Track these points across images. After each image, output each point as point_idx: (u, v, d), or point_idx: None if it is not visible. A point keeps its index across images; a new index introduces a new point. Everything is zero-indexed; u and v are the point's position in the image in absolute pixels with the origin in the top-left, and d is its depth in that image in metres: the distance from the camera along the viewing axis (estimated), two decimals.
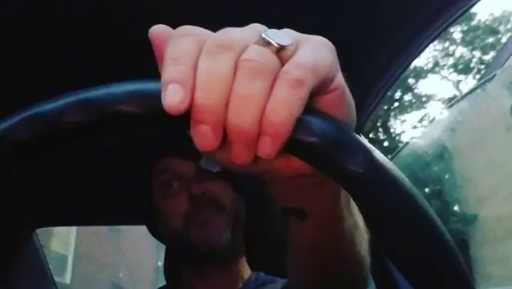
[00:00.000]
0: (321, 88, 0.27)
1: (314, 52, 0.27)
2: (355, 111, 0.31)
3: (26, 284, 1.33)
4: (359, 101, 0.86)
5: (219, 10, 0.67)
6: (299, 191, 0.35)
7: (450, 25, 0.70)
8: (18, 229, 1.33)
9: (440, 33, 0.73)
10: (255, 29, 0.28)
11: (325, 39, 0.28)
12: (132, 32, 0.71)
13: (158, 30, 0.28)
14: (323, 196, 0.35)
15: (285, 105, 0.25)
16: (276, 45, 0.26)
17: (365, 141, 0.26)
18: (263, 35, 0.26)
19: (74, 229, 8.00)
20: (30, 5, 0.64)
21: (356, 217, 0.41)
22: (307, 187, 0.34)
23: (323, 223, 0.38)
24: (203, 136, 0.25)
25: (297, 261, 0.46)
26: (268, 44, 0.26)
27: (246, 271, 0.83)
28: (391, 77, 0.85)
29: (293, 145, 0.25)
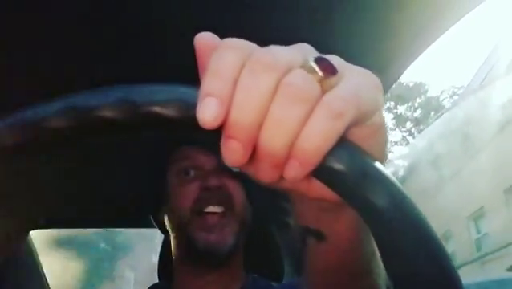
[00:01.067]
0: (359, 122, 0.27)
1: (358, 86, 0.26)
2: (387, 148, 0.30)
3: (21, 285, 1.32)
4: None
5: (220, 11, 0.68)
6: (319, 213, 0.35)
7: (444, 32, 0.71)
8: (14, 230, 1.32)
9: (435, 40, 0.73)
10: (302, 51, 0.27)
11: (371, 73, 0.28)
12: (135, 31, 0.72)
13: (204, 39, 0.28)
14: (342, 221, 0.35)
15: (320, 135, 0.25)
16: (321, 74, 0.26)
17: (392, 177, 0.26)
18: (310, 63, 0.26)
19: None
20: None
21: (375, 248, 0.40)
22: (327, 210, 0.34)
23: (339, 247, 0.37)
24: (232, 151, 0.25)
25: (310, 282, 0.45)
26: (312, 71, 0.26)
27: (242, 274, 0.83)
28: (386, 82, 0.86)
29: (320, 171, 0.26)
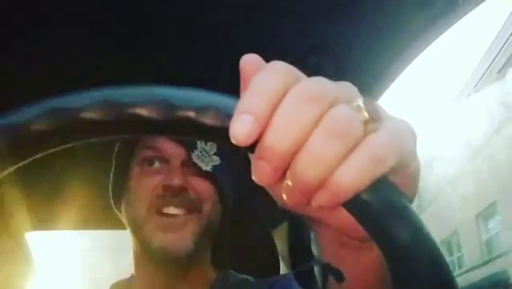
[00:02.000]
0: (396, 170, 0.27)
1: (400, 135, 0.26)
2: (418, 186, 0.30)
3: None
4: None
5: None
6: (340, 248, 0.34)
7: (445, 31, 0.71)
8: (8, 231, 1.31)
9: (435, 39, 0.73)
10: (348, 89, 0.27)
11: (410, 125, 0.28)
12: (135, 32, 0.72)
13: (249, 59, 0.28)
14: (362, 261, 0.35)
15: (358, 175, 0.25)
16: (367, 116, 0.25)
17: (418, 216, 0.26)
18: (358, 102, 0.26)
19: None
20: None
21: None
22: (348, 247, 0.33)
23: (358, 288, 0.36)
24: (262, 171, 0.25)
25: None
26: (359, 110, 0.25)
27: (210, 273, 0.78)
28: (385, 82, 0.86)
29: (348, 201, 0.26)
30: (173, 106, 0.25)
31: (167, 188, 0.70)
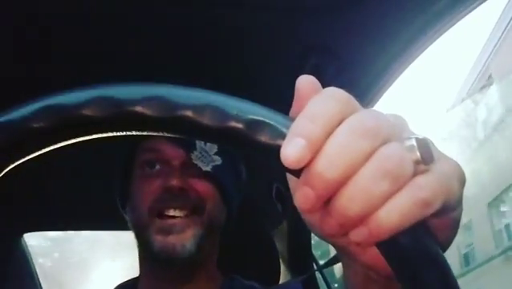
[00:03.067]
0: (440, 214, 0.26)
1: (449, 178, 0.26)
2: (454, 237, 0.29)
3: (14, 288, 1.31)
4: None
5: None
6: (366, 283, 0.33)
7: (445, 31, 0.71)
8: (6, 232, 1.31)
9: (435, 39, 0.73)
10: (403, 126, 0.27)
11: (462, 169, 0.27)
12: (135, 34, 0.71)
13: (307, 80, 0.28)
14: None
15: (401, 216, 0.24)
16: (419, 157, 0.25)
17: (450, 269, 0.26)
18: (412, 141, 0.25)
19: None
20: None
21: None
22: (374, 282, 0.33)
23: None
24: (305, 198, 0.25)
25: None
26: (411, 150, 0.25)
27: (217, 278, 0.78)
28: (385, 83, 0.86)
29: (384, 242, 0.25)
30: (172, 104, 0.25)
31: (167, 190, 0.70)
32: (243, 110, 0.25)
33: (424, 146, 0.25)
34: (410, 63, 0.82)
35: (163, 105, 0.25)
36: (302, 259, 1.25)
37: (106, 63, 0.77)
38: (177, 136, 0.27)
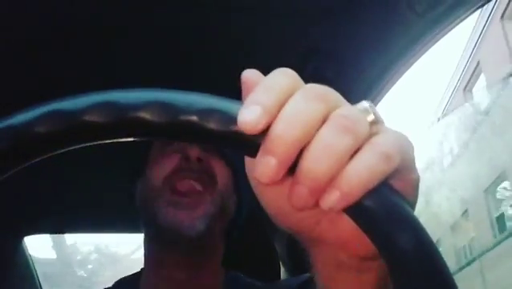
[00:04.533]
0: (399, 174, 0.27)
1: (401, 138, 0.27)
2: (418, 195, 0.30)
3: None
4: None
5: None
6: (337, 272, 0.33)
7: (444, 36, 0.71)
8: (7, 235, 1.31)
9: (434, 44, 0.74)
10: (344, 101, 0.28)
11: (406, 135, 0.28)
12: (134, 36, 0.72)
13: (251, 72, 0.28)
14: (360, 285, 0.33)
15: (369, 172, 0.25)
16: (373, 116, 0.26)
17: (419, 221, 0.26)
18: (364, 104, 0.27)
19: None
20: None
21: None
22: (346, 270, 0.32)
23: None
24: (267, 167, 0.24)
25: None
26: (365, 112, 0.26)
27: (220, 274, 0.76)
28: (383, 88, 0.86)
29: (354, 207, 0.25)
30: (176, 109, 0.25)
31: (185, 159, 0.70)
32: (193, 102, 0.25)
33: (376, 109, 0.27)
34: (409, 67, 0.83)
35: (164, 110, 0.25)
36: (302, 262, 1.25)
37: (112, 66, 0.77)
38: (129, 138, 0.27)
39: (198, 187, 0.69)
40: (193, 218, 0.67)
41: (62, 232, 1.58)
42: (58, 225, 1.45)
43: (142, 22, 0.70)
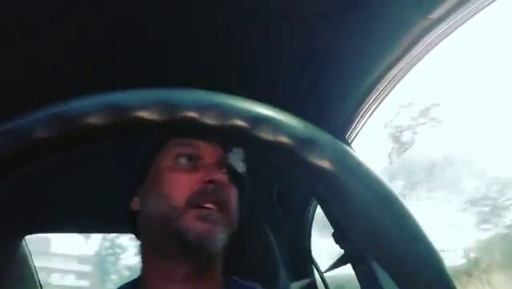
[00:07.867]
0: None
1: None
2: None
3: None
4: (349, 117, 0.86)
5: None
6: None
7: (446, 36, 0.71)
8: (7, 235, 1.31)
9: (436, 44, 0.73)
10: None
11: None
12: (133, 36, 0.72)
13: None
14: None
15: None
16: None
17: (332, 138, 0.26)
18: None
19: None
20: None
21: None
22: None
23: None
24: None
25: None
26: None
27: (219, 279, 0.77)
28: (386, 87, 0.86)
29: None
30: (176, 107, 0.26)
31: (210, 182, 0.70)
32: (193, 99, 0.26)
33: None
34: (411, 68, 0.82)
35: (167, 108, 0.26)
36: (302, 263, 1.25)
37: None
38: (132, 138, 0.27)
39: (215, 208, 0.71)
40: (216, 232, 0.69)
41: (62, 232, 1.59)
42: (58, 225, 1.45)
43: (142, 22, 0.70)
